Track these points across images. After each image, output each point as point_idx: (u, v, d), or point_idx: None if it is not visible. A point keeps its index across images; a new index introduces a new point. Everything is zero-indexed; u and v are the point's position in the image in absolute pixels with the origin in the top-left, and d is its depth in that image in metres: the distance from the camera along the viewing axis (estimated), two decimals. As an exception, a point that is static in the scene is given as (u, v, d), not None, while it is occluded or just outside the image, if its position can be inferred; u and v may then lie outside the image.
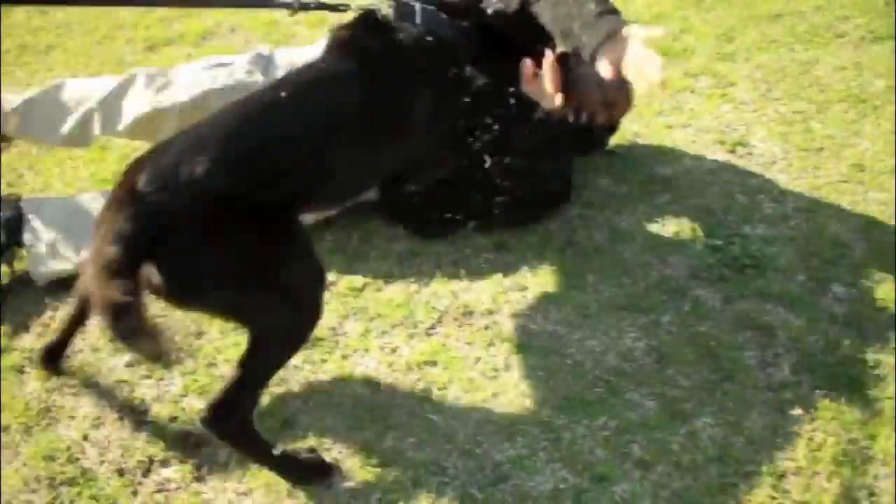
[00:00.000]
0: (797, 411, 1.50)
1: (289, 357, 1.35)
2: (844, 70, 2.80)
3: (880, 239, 1.97)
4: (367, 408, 1.47)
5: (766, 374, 1.58)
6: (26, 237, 1.71)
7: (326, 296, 1.70)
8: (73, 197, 1.88)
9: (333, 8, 1.71)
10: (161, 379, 1.52)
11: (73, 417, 1.44)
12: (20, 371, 1.53)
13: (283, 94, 1.35)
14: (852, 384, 1.56)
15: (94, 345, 1.59)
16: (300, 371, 1.54)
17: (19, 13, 3.03)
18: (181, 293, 1.20)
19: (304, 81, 1.42)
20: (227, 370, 1.54)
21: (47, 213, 1.74)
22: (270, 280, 1.26)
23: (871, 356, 1.63)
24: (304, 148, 1.34)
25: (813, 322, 1.71)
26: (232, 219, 1.21)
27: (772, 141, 2.36)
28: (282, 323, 1.30)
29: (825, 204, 2.09)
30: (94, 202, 1.78)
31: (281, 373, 1.53)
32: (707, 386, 1.55)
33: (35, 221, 1.72)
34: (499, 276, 1.81)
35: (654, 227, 1.97)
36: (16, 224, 1.71)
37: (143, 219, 1.16)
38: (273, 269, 1.27)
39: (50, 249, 1.69)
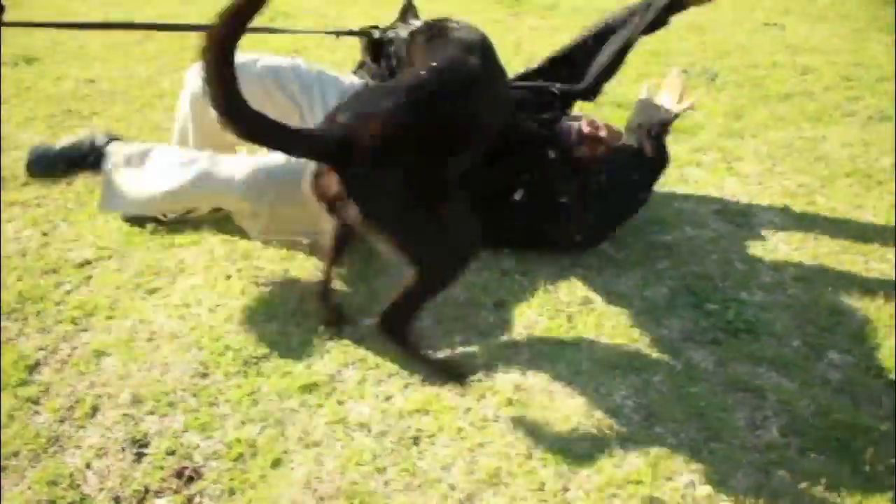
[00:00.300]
0: (783, 473, 1.50)
1: (441, 289, 1.63)
2: (851, 147, 2.87)
3: (880, 308, 1.99)
4: (357, 451, 1.52)
5: (754, 436, 1.59)
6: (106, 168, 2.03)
7: (329, 344, 1.80)
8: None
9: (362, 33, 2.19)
10: (165, 415, 1.59)
11: (78, 447, 1.51)
12: (35, 402, 1.61)
13: (433, 63, 1.71)
14: (843, 449, 1.57)
15: (105, 381, 1.68)
16: (296, 413, 1.60)
17: (69, 81, 3.29)
18: (357, 198, 1.48)
19: (442, 58, 1.78)
20: (228, 410, 1.62)
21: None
22: (432, 210, 1.54)
23: (864, 422, 1.63)
24: (459, 99, 1.67)
25: (805, 386, 1.73)
26: (408, 148, 1.51)
27: (774, 212, 2.42)
28: (437, 259, 1.58)
29: (825, 273, 2.12)
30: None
31: (277, 414, 1.60)
32: (693, 445, 1.56)
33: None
34: (497, 332, 1.87)
35: (651, 291, 2.02)
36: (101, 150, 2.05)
37: (332, 132, 1.51)
38: (435, 201, 1.55)
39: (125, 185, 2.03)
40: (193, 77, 2.20)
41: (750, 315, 1.94)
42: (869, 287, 2.06)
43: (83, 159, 2.08)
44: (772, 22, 4.25)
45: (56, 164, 2.12)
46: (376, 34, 2.18)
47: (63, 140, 2.17)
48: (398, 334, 1.63)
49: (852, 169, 2.70)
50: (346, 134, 1.49)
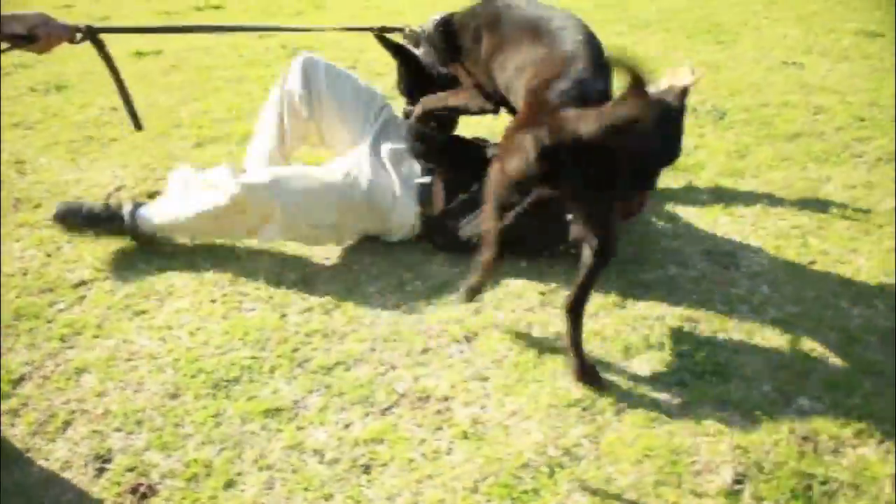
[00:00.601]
0: (730, 519, 1.49)
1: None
2: (854, 189, 2.82)
3: (858, 356, 1.95)
4: (307, 477, 1.56)
5: (706, 480, 1.58)
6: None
7: (297, 370, 1.86)
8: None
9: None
10: (131, 433, 1.66)
11: (46, 459, 1.59)
12: (14, 414, 1.70)
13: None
14: (796, 499, 1.54)
15: (81, 398, 1.76)
16: (255, 437, 1.66)
17: (94, 109, 3.46)
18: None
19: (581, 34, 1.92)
20: (191, 430, 1.68)
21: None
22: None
23: (823, 473, 1.60)
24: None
25: (769, 433, 1.70)
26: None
27: (763, 254, 2.39)
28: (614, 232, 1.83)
29: (806, 318, 2.09)
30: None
31: (237, 437, 1.66)
32: (643, 487, 1.56)
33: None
34: (463, 365, 1.90)
35: (624, 330, 2.03)
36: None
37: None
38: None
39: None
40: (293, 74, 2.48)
41: (721, 357, 1.92)
42: (850, 333, 2.02)
43: (105, 221, 2.31)
44: (791, 61, 4.21)
45: (78, 221, 2.34)
46: (407, 31, 2.38)
47: (90, 204, 2.38)
48: (579, 316, 1.82)
49: (852, 211, 2.66)
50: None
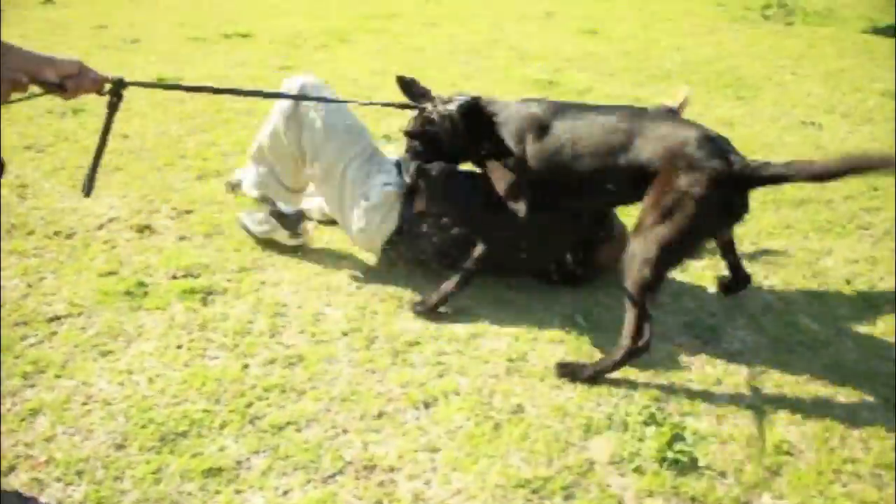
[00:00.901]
0: None
1: None
2: (855, 263, 2.73)
3: (834, 452, 1.86)
4: (235, 546, 1.53)
5: (647, 582, 1.51)
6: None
7: (247, 428, 1.84)
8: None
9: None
10: (70, 484, 1.66)
11: (-18, 509, 1.59)
12: (-42, 457, 1.72)
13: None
14: None
15: (30, 442, 1.76)
16: (192, 498, 1.63)
17: (101, 137, 3.53)
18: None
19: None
20: (129, 486, 1.66)
21: None
22: None
23: (776, 581, 1.52)
24: None
25: (724, 532, 1.63)
26: None
27: (747, 331, 2.32)
28: None
29: (784, 404, 2.01)
30: None
31: (175, 496, 1.64)
32: (580, 583, 1.50)
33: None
34: (417, 433, 1.86)
35: (587, 406, 1.97)
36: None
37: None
38: None
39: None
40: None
41: (687, 444, 1.84)
42: (829, 425, 1.93)
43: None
44: (810, 120, 4.11)
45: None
46: (429, 108, 2.40)
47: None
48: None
49: (850, 288, 2.56)
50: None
